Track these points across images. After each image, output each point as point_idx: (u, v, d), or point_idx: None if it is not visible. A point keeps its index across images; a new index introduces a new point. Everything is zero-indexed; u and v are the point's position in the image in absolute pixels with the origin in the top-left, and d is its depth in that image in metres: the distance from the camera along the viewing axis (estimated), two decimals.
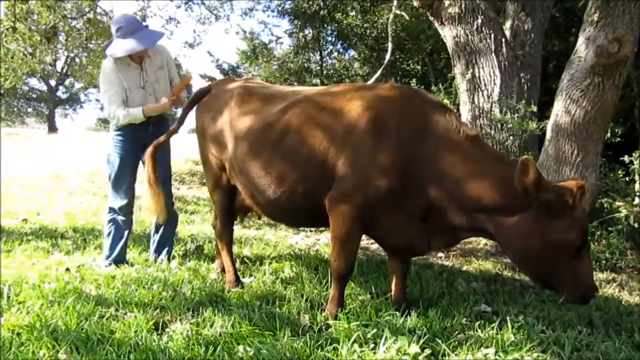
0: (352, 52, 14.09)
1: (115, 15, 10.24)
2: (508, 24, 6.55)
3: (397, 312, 3.14)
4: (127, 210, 4.30)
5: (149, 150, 3.88)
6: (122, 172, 4.20)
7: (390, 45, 8.48)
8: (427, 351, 2.64)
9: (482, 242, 5.51)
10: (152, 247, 4.50)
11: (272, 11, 14.04)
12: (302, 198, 3.26)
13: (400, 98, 3.17)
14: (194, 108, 4.17)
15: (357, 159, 3.02)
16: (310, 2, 12.37)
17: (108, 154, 4.30)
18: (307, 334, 2.84)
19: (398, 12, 8.62)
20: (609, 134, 5.12)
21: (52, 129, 36.99)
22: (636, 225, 4.72)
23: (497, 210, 2.82)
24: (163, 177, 4.33)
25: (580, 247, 2.72)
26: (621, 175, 5.37)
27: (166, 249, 4.43)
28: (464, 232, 3.10)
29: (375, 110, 3.08)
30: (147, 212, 3.96)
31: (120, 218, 4.29)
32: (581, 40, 4.63)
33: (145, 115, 4.08)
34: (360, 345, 2.69)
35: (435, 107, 3.11)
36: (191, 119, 4.22)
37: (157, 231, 4.48)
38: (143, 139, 4.08)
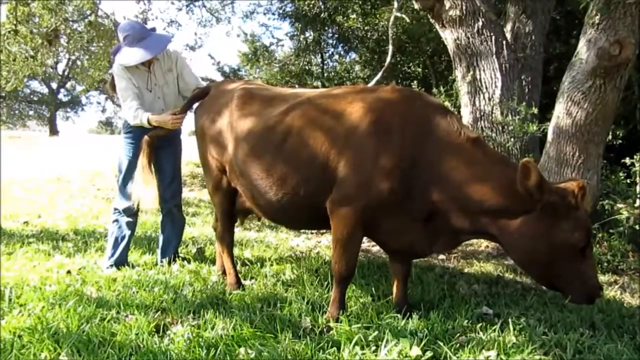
0: (353, 55, 14.10)
1: (116, 19, 10.28)
2: (509, 27, 6.54)
3: (399, 315, 3.14)
4: (131, 212, 4.33)
5: (146, 137, 3.98)
6: (129, 173, 4.20)
7: (391, 47, 8.48)
8: (429, 354, 2.63)
9: (483, 244, 5.50)
10: (159, 250, 4.51)
11: (273, 14, 14.09)
12: (303, 200, 3.26)
13: (401, 100, 3.17)
14: (192, 109, 4.20)
15: (359, 161, 3.02)
16: (311, 5, 12.39)
17: (119, 155, 4.35)
18: (309, 337, 2.84)
19: (399, 14, 8.62)
20: (610, 136, 5.11)
21: (54, 131, 37.01)
22: (637, 227, 4.70)
23: (500, 212, 2.82)
24: (171, 177, 4.36)
25: (584, 247, 2.73)
26: (622, 178, 5.36)
27: (170, 251, 4.44)
28: (466, 235, 3.10)
29: (376, 113, 3.08)
30: (139, 200, 3.97)
31: (124, 219, 4.31)
32: (582, 42, 4.63)
33: (150, 125, 4.05)
34: (362, 348, 2.68)
35: (437, 109, 3.11)
36: (191, 121, 4.24)
37: (162, 232, 4.50)
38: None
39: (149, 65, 4.20)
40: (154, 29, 4.38)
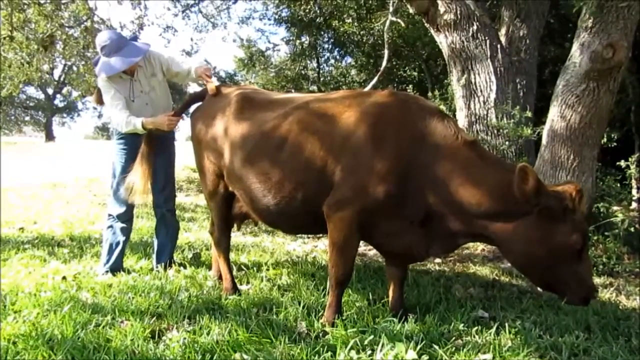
0: (349, 59, 14.18)
1: (112, 24, 10.27)
2: (503, 30, 6.58)
3: (395, 318, 3.13)
4: (125, 218, 4.32)
5: (145, 137, 4.04)
6: (123, 179, 4.20)
7: (386, 52, 8.51)
8: (425, 357, 2.63)
9: (479, 247, 5.51)
10: (154, 256, 4.51)
11: (269, 19, 14.15)
12: (301, 204, 3.26)
13: (398, 105, 3.18)
14: (186, 112, 4.21)
15: (355, 166, 3.02)
16: (307, 10, 12.44)
17: (112, 162, 4.34)
18: (304, 341, 2.84)
19: (394, 19, 8.65)
20: (605, 139, 5.14)
21: (50, 137, 37.01)
22: (633, 229, 4.72)
23: (497, 216, 2.83)
24: (164, 182, 4.36)
25: (580, 249, 2.74)
26: (617, 180, 5.38)
27: (165, 256, 4.43)
28: (463, 238, 3.11)
29: (373, 117, 3.09)
30: (131, 192, 4.01)
31: (118, 225, 4.31)
32: (575, 46, 4.66)
33: (145, 128, 4.04)
34: (358, 352, 2.68)
35: (433, 113, 3.12)
36: (187, 126, 4.25)
37: (156, 237, 4.49)
38: None
39: (132, 73, 4.18)
40: (134, 38, 4.36)
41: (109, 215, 4.36)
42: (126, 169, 4.15)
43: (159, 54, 4.36)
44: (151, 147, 4.06)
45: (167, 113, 4.13)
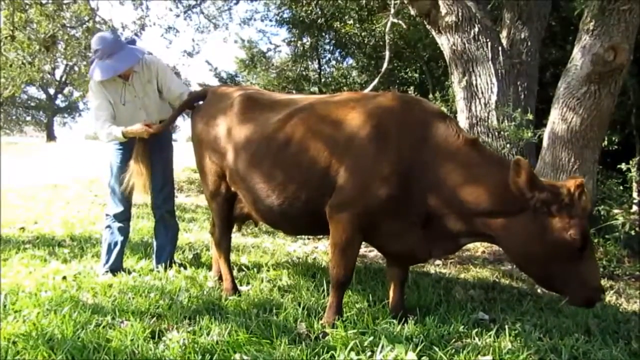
0: (350, 61, 14.17)
1: (114, 25, 10.30)
2: (505, 33, 6.58)
3: (395, 320, 3.14)
4: (123, 217, 4.33)
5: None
6: (120, 180, 4.20)
7: (387, 53, 8.52)
8: (425, 359, 2.63)
9: (479, 249, 5.51)
10: (154, 256, 4.51)
11: (271, 20, 14.17)
12: (303, 205, 3.26)
13: (401, 107, 3.19)
14: (183, 113, 4.21)
15: (358, 167, 3.03)
16: (309, 11, 12.44)
17: (109, 162, 4.35)
18: (304, 342, 2.84)
19: (395, 20, 8.66)
20: (606, 142, 5.14)
21: (51, 137, 36.99)
22: (633, 232, 4.72)
23: (496, 213, 2.83)
24: (162, 182, 4.35)
25: (582, 247, 2.69)
26: (618, 183, 5.38)
27: (164, 257, 4.43)
28: (464, 238, 3.11)
29: (376, 119, 3.09)
30: (129, 190, 4.04)
31: (116, 225, 4.31)
32: (577, 48, 4.66)
33: (125, 137, 4.02)
34: (357, 353, 2.68)
35: (435, 115, 3.14)
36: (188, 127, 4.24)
37: (156, 239, 4.49)
38: None
39: (127, 77, 4.16)
40: (133, 42, 4.34)
41: (107, 215, 4.37)
42: (122, 169, 4.15)
43: (159, 62, 4.33)
44: (145, 145, 4.05)
45: (144, 122, 4.07)
